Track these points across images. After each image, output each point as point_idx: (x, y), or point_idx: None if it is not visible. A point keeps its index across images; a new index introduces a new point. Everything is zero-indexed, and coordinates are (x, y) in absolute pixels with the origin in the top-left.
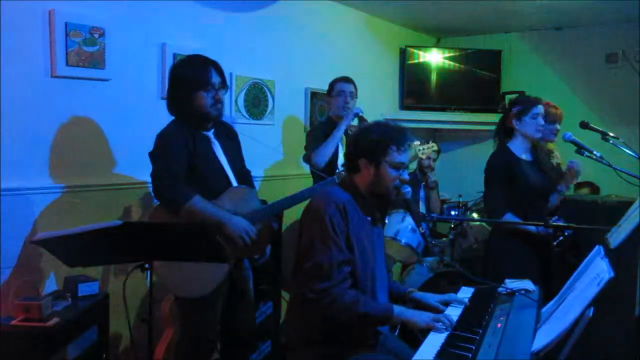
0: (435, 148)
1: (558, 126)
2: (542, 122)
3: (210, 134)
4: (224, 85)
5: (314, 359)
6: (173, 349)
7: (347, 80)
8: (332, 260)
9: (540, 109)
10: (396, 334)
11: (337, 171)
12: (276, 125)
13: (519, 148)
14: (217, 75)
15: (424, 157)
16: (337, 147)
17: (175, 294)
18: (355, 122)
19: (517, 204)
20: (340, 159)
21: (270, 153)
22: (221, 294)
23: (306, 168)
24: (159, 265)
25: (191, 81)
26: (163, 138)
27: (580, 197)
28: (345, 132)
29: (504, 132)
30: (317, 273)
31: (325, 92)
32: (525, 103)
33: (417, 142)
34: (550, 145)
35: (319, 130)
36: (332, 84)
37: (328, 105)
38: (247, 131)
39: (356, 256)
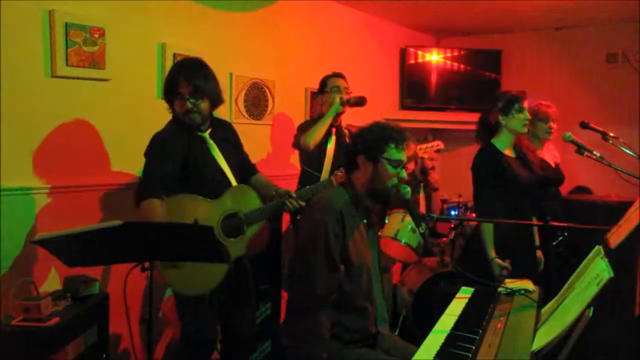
0: (442, 146)
1: (553, 125)
2: (528, 116)
3: (206, 134)
4: (195, 94)
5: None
6: (173, 349)
7: (339, 75)
8: (321, 275)
9: (524, 103)
10: (396, 333)
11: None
12: (276, 126)
13: (504, 144)
14: (187, 85)
15: (425, 156)
16: (325, 148)
17: (175, 292)
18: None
19: (505, 203)
20: (328, 164)
21: (270, 152)
22: (220, 293)
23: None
24: (160, 262)
25: (165, 89)
26: (155, 141)
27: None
28: (340, 134)
29: (487, 129)
30: (305, 284)
31: None
32: (510, 97)
33: (419, 143)
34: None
35: (311, 123)
36: (325, 81)
37: (321, 103)
38: (247, 131)
39: (352, 260)
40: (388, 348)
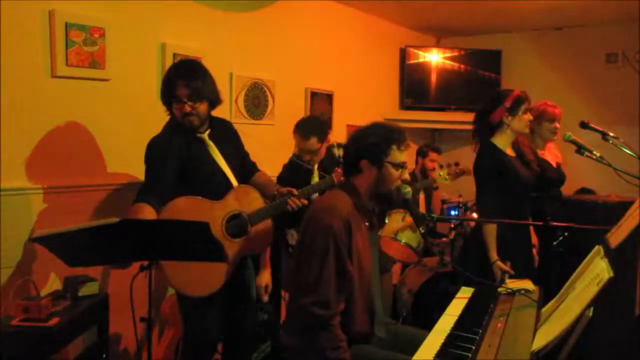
0: (467, 173)
1: (558, 125)
2: (531, 117)
3: (205, 136)
4: (193, 97)
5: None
6: (173, 349)
7: (308, 135)
8: (330, 282)
9: (527, 104)
10: (400, 322)
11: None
12: (276, 126)
13: (505, 143)
14: (185, 88)
15: (447, 182)
16: (309, 180)
17: (180, 293)
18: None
19: (507, 202)
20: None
21: (271, 153)
22: (223, 293)
23: None
24: (166, 263)
25: (162, 92)
26: (150, 147)
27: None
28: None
29: (486, 128)
30: (316, 293)
31: (325, 93)
32: (518, 98)
33: (437, 168)
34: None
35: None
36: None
37: None
38: (247, 131)
39: (354, 263)
40: (394, 336)
